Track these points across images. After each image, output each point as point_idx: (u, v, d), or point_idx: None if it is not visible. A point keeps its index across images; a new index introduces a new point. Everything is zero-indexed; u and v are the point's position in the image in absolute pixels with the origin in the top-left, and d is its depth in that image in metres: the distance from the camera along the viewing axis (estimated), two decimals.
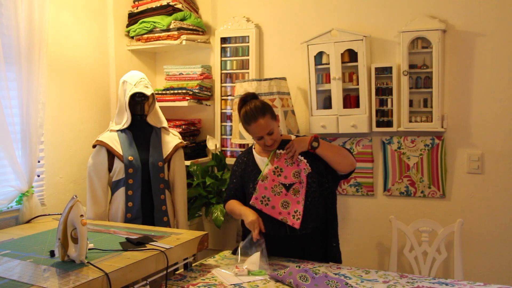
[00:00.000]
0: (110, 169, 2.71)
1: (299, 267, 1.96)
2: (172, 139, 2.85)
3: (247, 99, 2.34)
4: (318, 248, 2.32)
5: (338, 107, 3.06)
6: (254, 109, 2.26)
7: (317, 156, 2.27)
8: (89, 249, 1.91)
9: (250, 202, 2.26)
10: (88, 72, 3.20)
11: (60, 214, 1.89)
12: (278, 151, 2.31)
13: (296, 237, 2.26)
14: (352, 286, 1.87)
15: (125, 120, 2.73)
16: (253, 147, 2.45)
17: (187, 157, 3.22)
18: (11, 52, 2.55)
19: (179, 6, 3.37)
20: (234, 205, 2.37)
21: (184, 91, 3.34)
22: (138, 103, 2.76)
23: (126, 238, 2.12)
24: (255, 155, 2.39)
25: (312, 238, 2.30)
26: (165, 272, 1.93)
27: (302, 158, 2.26)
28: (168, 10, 3.37)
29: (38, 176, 2.83)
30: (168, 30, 3.33)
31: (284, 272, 1.95)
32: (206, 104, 3.50)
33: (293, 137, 2.39)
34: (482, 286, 1.87)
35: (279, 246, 2.30)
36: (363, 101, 3.00)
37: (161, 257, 1.95)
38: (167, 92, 3.39)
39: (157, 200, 2.72)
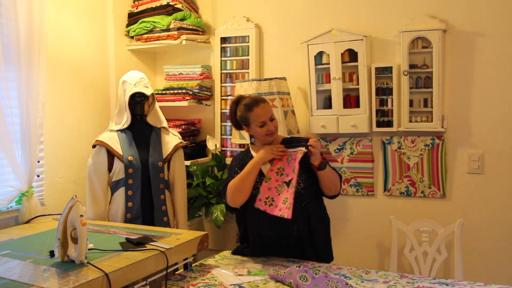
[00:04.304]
0: (110, 169, 2.71)
1: (299, 267, 1.96)
2: (172, 139, 2.85)
3: (239, 99, 2.39)
4: (313, 250, 2.32)
5: (338, 107, 3.05)
6: (254, 98, 2.35)
7: (309, 168, 2.28)
8: (89, 249, 1.91)
9: (254, 205, 2.24)
10: (88, 72, 3.20)
11: (60, 214, 1.88)
12: (265, 146, 2.29)
13: (292, 237, 2.27)
14: (352, 286, 1.87)
15: (125, 120, 2.73)
16: (250, 147, 2.45)
17: (187, 157, 3.22)
18: (11, 52, 2.55)
19: (179, 6, 3.37)
20: (236, 177, 2.27)
21: (184, 91, 3.34)
22: (138, 103, 2.76)
23: (126, 238, 2.12)
24: (253, 154, 2.39)
25: (308, 239, 2.30)
26: (165, 272, 1.93)
27: (302, 148, 2.23)
28: (168, 10, 3.37)
29: (38, 176, 2.83)
30: (168, 30, 3.32)
31: (284, 272, 1.95)
32: (206, 104, 3.49)
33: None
34: (482, 286, 1.87)
35: (276, 247, 2.30)
36: (363, 101, 3.00)
37: (161, 257, 1.95)
38: (167, 92, 3.39)
39: (157, 200, 2.72)
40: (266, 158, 2.26)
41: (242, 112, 2.32)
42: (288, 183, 2.23)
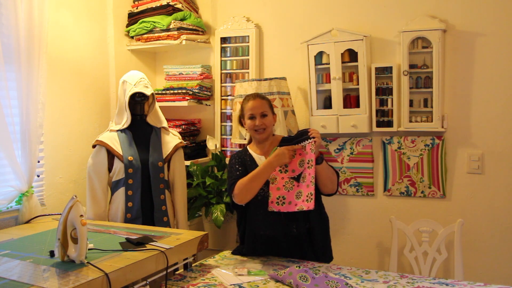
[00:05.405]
0: (110, 169, 2.71)
1: (299, 267, 1.96)
2: (172, 139, 2.85)
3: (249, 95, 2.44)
4: (313, 250, 2.32)
5: (338, 107, 3.05)
6: (255, 93, 2.44)
7: None
8: (89, 249, 1.91)
9: (268, 209, 2.23)
10: (88, 72, 3.20)
11: (60, 214, 1.88)
12: (279, 148, 2.30)
13: (292, 237, 2.27)
14: (352, 286, 1.87)
15: (125, 120, 2.73)
16: (247, 146, 2.45)
17: (187, 157, 3.22)
18: (11, 52, 2.55)
19: (179, 6, 3.37)
20: (246, 176, 2.23)
21: (184, 91, 3.34)
22: (138, 103, 2.76)
23: (126, 238, 2.12)
24: (251, 152, 2.39)
25: (308, 238, 2.30)
26: (165, 272, 1.93)
27: (310, 140, 2.20)
28: (168, 10, 3.37)
29: (38, 176, 2.83)
30: (168, 30, 3.33)
31: (284, 272, 1.95)
32: (206, 104, 3.49)
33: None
34: (482, 286, 1.87)
35: (276, 247, 2.30)
36: (363, 101, 3.00)
37: (161, 257, 1.95)
38: (167, 92, 3.39)
39: (157, 200, 2.72)
40: (283, 161, 2.20)
41: (242, 103, 2.39)
42: (297, 178, 2.23)
